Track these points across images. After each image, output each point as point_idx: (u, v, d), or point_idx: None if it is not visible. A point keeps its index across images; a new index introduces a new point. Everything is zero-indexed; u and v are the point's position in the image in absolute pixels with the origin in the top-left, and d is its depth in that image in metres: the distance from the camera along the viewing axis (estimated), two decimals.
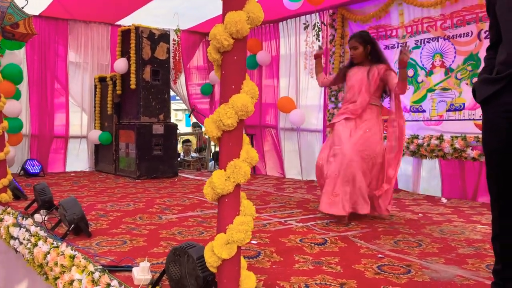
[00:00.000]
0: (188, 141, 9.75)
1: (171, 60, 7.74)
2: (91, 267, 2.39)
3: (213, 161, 9.27)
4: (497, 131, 1.90)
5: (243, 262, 1.42)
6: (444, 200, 5.03)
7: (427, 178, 5.51)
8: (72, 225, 3.03)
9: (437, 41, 5.31)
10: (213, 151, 9.32)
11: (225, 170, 1.31)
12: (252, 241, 3.08)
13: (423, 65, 5.48)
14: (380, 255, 2.82)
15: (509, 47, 1.85)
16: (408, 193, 5.54)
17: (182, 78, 8.60)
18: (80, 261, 2.52)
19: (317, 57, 4.39)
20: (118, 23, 7.73)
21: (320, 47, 4.44)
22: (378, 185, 3.89)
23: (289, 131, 7.33)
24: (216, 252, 1.28)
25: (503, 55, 1.86)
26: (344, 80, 4.21)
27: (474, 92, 2.04)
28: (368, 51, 3.98)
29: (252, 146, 6.08)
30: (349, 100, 4.03)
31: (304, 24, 6.89)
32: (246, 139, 1.36)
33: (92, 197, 4.91)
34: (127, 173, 6.82)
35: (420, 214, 4.21)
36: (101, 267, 2.36)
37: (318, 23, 6.71)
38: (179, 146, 9.57)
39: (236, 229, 1.27)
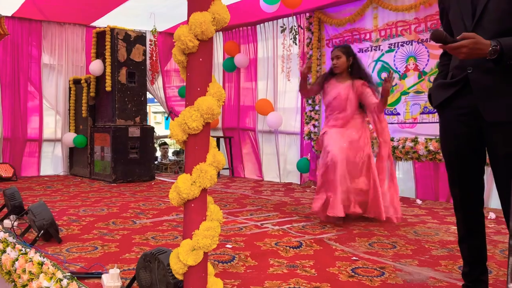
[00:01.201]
0: (165, 143, 9.66)
1: (148, 61, 7.65)
2: (59, 274, 2.32)
3: None
4: (453, 134, 1.93)
5: (211, 269, 1.39)
6: (419, 201, 5.09)
7: (403, 180, 5.56)
8: (42, 231, 2.94)
9: (411, 44, 5.38)
10: None
11: (191, 174, 1.28)
12: (227, 245, 3.06)
13: (396, 68, 5.54)
14: (354, 258, 2.82)
15: None
16: None
17: (159, 80, 8.50)
18: (48, 268, 2.45)
19: (303, 74, 4.11)
20: (93, 24, 7.61)
21: (308, 67, 4.08)
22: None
23: (267, 133, 7.32)
24: (181, 258, 1.25)
25: (457, 60, 1.88)
26: (321, 89, 4.19)
27: (430, 98, 2.05)
28: (350, 63, 4.02)
29: (230, 149, 6.00)
30: (333, 115, 4.07)
31: (281, 27, 6.90)
32: (213, 143, 1.33)
33: (65, 201, 4.80)
34: (102, 177, 6.71)
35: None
36: (69, 274, 2.29)
37: (295, 26, 6.73)
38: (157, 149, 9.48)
39: (202, 235, 1.24)
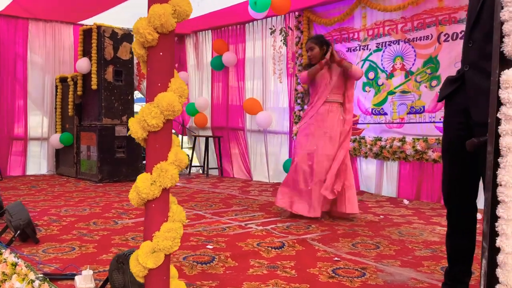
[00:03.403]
0: None
1: (135, 65, 7.56)
2: (32, 275, 2.27)
3: None
4: (450, 129, 1.94)
5: (173, 271, 1.34)
6: (406, 202, 5.07)
7: (390, 180, 5.54)
8: (18, 231, 2.88)
9: (398, 44, 5.36)
10: None
11: (151, 174, 1.23)
12: (208, 246, 3.01)
13: (383, 68, 5.52)
14: (336, 258, 2.79)
15: (464, 47, 1.85)
16: (371, 195, 5.56)
17: None
18: (22, 269, 2.39)
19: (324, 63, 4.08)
20: (81, 22, 7.52)
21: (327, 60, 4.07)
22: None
23: (256, 133, 7.27)
24: (141, 261, 1.19)
25: (463, 56, 1.87)
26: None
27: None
28: (324, 51, 4.08)
29: (219, 149, 5.93)
30: (314, 102, 4.13)
31: (271, 29, 6.85)
32: (176, 141, 1.29)
33: (48, 201, 4.73)
34: (88, 177, 6.63)
35: (381, 216, 4.22)
36: (42, 275, 2.24)
37: (284, 28, 6.69)
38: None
39: (163, 237, 1.19)
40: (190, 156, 8.20)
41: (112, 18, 6.85)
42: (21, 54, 7.22)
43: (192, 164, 8.09)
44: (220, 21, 7.26)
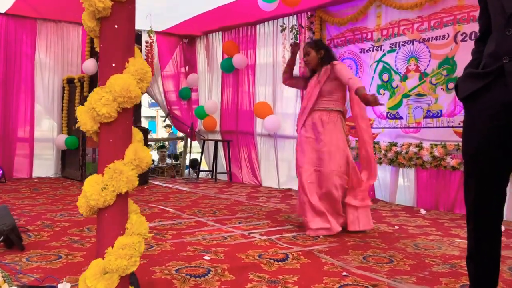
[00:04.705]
0: (163, 147, 9.41)
1: None
2: (5, 287, 2.06)
3: (189, 169, 8.94)
4: (479, 131, 1.63)
5: None
6: (423, 211, 4.76)
7: (406, 188, 5.24)
8: (1, 237, 2.68)
9: (412, 44, 5.08)
10: (191, 158, 9.00)
11: (102, 175, 1.00)
12: (205, 257, 2.77)
13: (397, 69, 5.23)
14: (344, 273, 2.53)
15: (498, 35, 1.58)
16: (386, 203, 5.26)
17: (159, 81, 8.27)
18: None
19: (293, 52, 4.02)
20: None
21: (295, 43, 4.09)
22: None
23: (267, 138, 7.03)
24: (89, 284, 0.97)
25: (492, 46, 1.59)
26: (305, 86, 3.98)
27: (457, 88, 1.77)
28: (322, 55, 3.79)
29: (229, 153, 5.64)
30: (303, 109, 3.87)
31: (281, 26, 6.62)
32: (137, 135, 1.05)
33: (47, 205, 4.55)
34: None
35: (396, 227, 3.94)
36: (16, 286, 2.03)
37: (295, 25, 6.45)
38: (154, 152, 9.24)
39: (117, 254, 0.95)
40: (199, 161, 8.00)
41: None
42: (29, 54, 7.12)
43: (201, 169, 7.88)
44: (230, 19, 7.04)
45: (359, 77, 5.67)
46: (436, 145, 4.79)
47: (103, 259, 1.00)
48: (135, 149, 1.00)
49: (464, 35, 4.63)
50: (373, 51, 5.51)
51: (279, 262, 2.71)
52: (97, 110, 0.96)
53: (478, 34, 1.79)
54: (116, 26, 0.99)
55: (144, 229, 1.02)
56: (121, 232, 1.01)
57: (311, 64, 3.84)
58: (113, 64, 1.00)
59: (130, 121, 1.06)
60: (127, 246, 0.96)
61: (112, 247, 0.99)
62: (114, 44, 1.00)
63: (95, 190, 0.97)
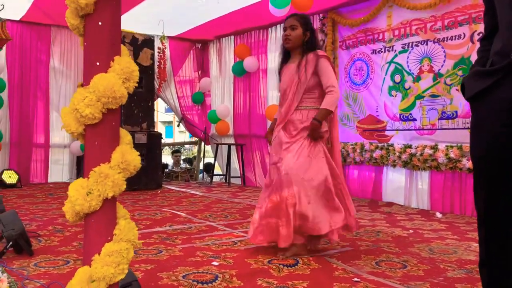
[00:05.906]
0: (178, 151, 9.42)
1: (156, 68, 7.43)
2: None
3: (203, 173, 8.94)
4: (487, 132, 1.55)
5: None
6: (439, 215, 4.65)
7: (421, 190, 5.13)
8: (10, 242, 2.69)
9: (426, 44, 4.97)
10: (205, 162, 9.00)
11: (88, 179, 0.97)
12: (213, 262, 2.73)
13: (410, 70, 5.14)
14: (356, 279, 2.46)
15: (506, 33, 1.52)
16: (401, 207, 5.16)
17: (172, 86, 8.30)
18: (3, 284, 2.18)
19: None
20: None
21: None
22: None
23: None
24: None
25: (499, 44, 1.52)
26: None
27: (463, 88, 1.69)
28: (307, 38, 3.09)
29: (242, 157, 5.56)
30: (280, 108, 3.25)
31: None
32: (126, 137, 1.02)
33: (60, 209, 4.57)
34: None
35: (410, 231, 3.84)
36: None
37: None
38: (168, 157, 9.26)
39: (103, 262, 0.92)
40: (212, 165, 7.99)
41: (127, 25, 6.75)
42: (43, 61, 7.21)
43: (215, 173, 7.86)
44: (242, 23, 7.02)
45: (370, 79, 5.59)
46: (451, 146, 4.68)
47: (90, 267, 0.97)
48: (122, 152, 0.97)
49: (480, 34, 4.52)
50: (384, 52, 5.42)
51: (289, 268, 2.66)
52: (80, 111, 0.93)
53: (484, 32, 1.72)
54: (100, 23, 0.96)
55: (133, 235, 0.98)
56: (109, 238, 0.98)
57: (291, 43, 3.10)
58: (97, 63, 0.96)
59: (117, 123, 1.02)
60: (114, 253, 0.93)
61: (99, 254, 0.96)
62: (98, 42, 0.97)
63: (80, 195, 0.94)
